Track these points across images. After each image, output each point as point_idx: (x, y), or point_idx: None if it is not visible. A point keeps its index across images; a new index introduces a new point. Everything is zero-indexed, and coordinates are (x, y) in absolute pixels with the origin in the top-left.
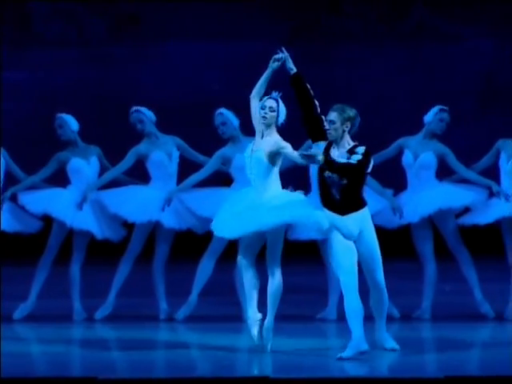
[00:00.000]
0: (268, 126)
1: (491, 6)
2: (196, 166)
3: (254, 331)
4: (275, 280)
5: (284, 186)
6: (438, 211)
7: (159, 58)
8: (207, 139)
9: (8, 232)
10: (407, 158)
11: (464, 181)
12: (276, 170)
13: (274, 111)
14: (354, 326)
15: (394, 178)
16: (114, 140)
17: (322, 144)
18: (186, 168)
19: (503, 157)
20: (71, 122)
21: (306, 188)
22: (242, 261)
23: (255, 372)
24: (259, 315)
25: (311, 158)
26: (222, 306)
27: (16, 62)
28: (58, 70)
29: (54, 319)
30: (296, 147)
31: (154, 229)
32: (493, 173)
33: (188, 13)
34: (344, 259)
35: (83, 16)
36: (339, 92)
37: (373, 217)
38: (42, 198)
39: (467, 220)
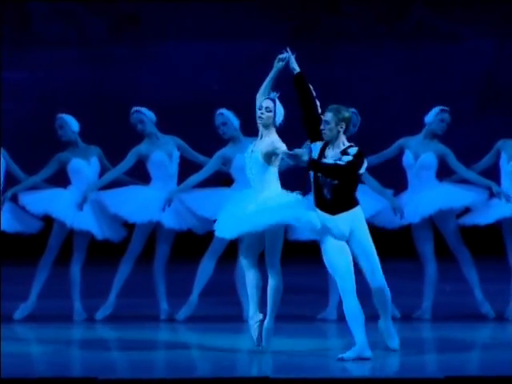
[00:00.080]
0: (266, 126)
1: (491, 5)
2: (196, 167)
3: (254, 332)
4: (274, 280)
5: (284, 186)
6: (439, 211)
7: (159, 58)
8: (207, 139)
9: (8, 232)
10: (408, 159)
11: (464, 181)
12: (273, 170)
13: (270, 111)
14: (356, 331)
15: (394, 178)
16: (113, 140)
17: (319, 144)
18: (187, 168)
19: (504, 157)
20: (72, 123)
21: (305, 188)
22: (243, 261)
23: (255, 372)
24: (260, 315)
25: (296, 158)
26: (223, 306)
27: (16, 62)
28: (57, 70)
29: (55, 319)
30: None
31: (155, 229)
32: (493, 173)
33: (188, 13)
34: (338, 262)
35: (83, 16)
36: (339, 92)
37: (373, 217)
38: (42, 198)
39: (468, 220)
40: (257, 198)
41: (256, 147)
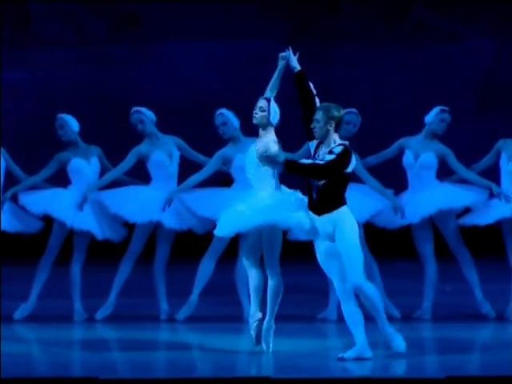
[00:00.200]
0: (261, 126)
1: (491, 5)
2: (196, 167)
3: (253, 331)
4: (273, 281)
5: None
6: (439, 212)
7: (159, 58)
8: (208, 139)
9: (9, 232)
10: (408, 159)
11: (464, 181)
12: (270, 170)
13: (264, 111)
14: (356, 331)
15: (394, 178)
16: (113, 140)
17: (316, 143)
18: (187, 168)
19: (504, 157)
20: (72, 123)
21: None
22: (245, 261)
23: (255, 372)
24: (259, 315)
25: (271, 161)
26: (223, 306)
27: (16, 62)
28: (57, 70)
29: (55, 319)
30: (297, 148)
31: (155, 229)
32: (493, 173)
33: (188, 13)
34: (331, 264)
35: (83, 16)
36: (339, 92)
37: (374, 217)
38: (42, 198)
39: (468, 220)
40: (251, 198)
41: (253, 147)
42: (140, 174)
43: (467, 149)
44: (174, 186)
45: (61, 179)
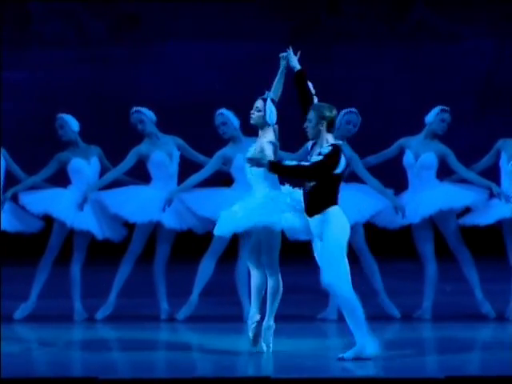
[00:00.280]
0: (259, 126)
1: (491, 5)
2: (197, 167)
3: (251, 332)
4: (272, 281)
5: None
6: (439, 212)
7: (159, 58)
8: (208, 139)
9: (9, 232)
10: (408, 158)
11: (464, 180)
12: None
13: (260, 111)
14: (357, 332)
15: (394, 178)
16: (113, 140)
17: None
18: (187, 168)
19: (504, 157)
20: (72, 123)
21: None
22: (248, 262)
23: (256, 372)
24: (257, 316)
25: (256, 163)
26: (223, 306)
27: (16, 62)
28: (57, 70)
29: (55, 319)
30: (297, 148)
31: (155, 229)
32: (493, 173)
33: (188, 13)
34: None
35: (83, 16)
36: (339, 92)
37: (374, 217)
38: (42, 198)
39: (468, 220)
40: (248, 197)
41: (251, 147)
42: (140, 174)
43: (467, 149)
44: (174, 186)
45: (61, 179)
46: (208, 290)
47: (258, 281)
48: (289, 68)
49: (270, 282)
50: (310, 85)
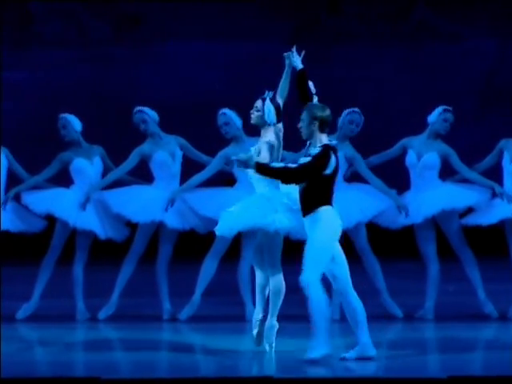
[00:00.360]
0: (259, 125)
1: (492, 5)
2: (199, 166)
3: (254, 330)
4: (274, 281)
5: None
6: (442, 212)
7: (161, 58)
8: (210, 139)
9: (12, 231)
10: (411, 158)
11: (466, 180)
12: None
13: (258, 111)
14: (358, 331)
15: (397, 178)
16: (115, 140)
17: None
18: (190, 168)
19: (506, 157)
20: (74, 123)
21: None
22: (253, 261)
23: (258, 372)
24: (260, 315)
25: (243, 164)
26: (225, 306)
27: (17, 62)
28: (58, 70)
29: (57, 319)
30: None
31: (158, 229)
32: (496, 173)
33: (188, 13)
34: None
35: (84, 16)
36: (340, 92)
37: (376, 217)
38: (45, 197)
39: (470, 220)
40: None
41: (252, 148)
42: (142, 174)
43: (469, 148)
44: (177, 186)
45: (63, 179)
46: (210, 289)
47: (261, 280)
48: (293, 67)
49: (272, 282)
50: (311, 84)
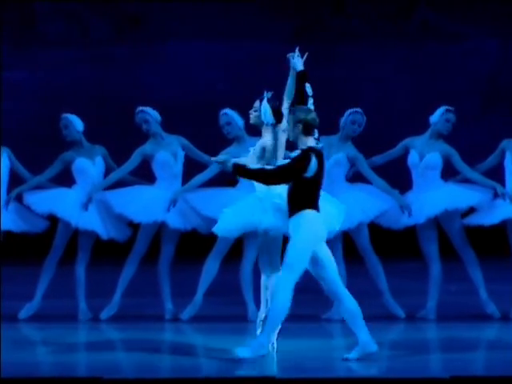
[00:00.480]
0: (258, 126)
1: (495, 5)
2: (201, 166)
3: (258, 331)
4: (274, 281)
5: None
6: (444, 212)
7: (162, 58)
8: (213, 139)
9: (14, 232)
10: (413, 158)
11: (468, 180)
12: None
13: (256, 111)
14: (357, 329)
15: (399, 178)
16: (117, 140)
17: None
18: (191, 168)
19: (508, 157)
20: (76, 123)
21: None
22: (259, 261)
23: (261, 372)
24: (263, 315)
25: (222, 164)
26: (227, 306)
27: (18, 62)
28: (60, 69)
29: (60, 319)
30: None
31: (160, 229)
32: (498, 173)
33: (189, 13)
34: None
35: (85, 16)
36: (342, 92)
37: (379, 217)
38: (47, 198)
39: (472, 220)
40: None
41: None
42: (144, 174)
43: (471, 149)
44: (179, 186)
45: (65, 179)
46: (212, 289)
47: (266, 281)
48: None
49: (272, 282)
50: (308, 86)
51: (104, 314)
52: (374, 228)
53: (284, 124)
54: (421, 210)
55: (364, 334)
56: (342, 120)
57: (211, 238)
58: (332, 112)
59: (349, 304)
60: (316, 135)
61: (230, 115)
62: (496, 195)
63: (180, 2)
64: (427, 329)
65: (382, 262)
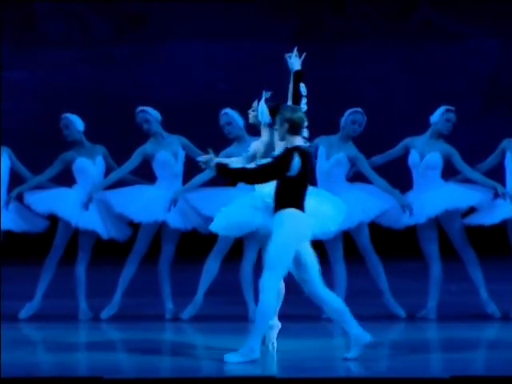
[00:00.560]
0: (257, 125)
1: (496, 5)
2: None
3: None
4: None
5: None
6: (445, 212)
7: (163, 57)
8: (213, 139)
9: (15, 231)
10: (413, 158)
11: (468, 180)
12: None
13: (254, 111)
14: (346, 326)
15: (399, 177)
16: (118, 140)
17: None
18: (192, 168)
19: (508, 157)
20: (77, 122)
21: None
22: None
23: (261, 372)
24: None
25: (206, 164)
26: (228, 305)
27: (19, 62)
28: (61, 69)
29: (60, 319)
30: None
31: (160, 229)
32: (498, 173)
33: (189, 13)
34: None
35: (86, 16)
36: (342, 92)
37: (379, 217)
38: (47, 197)
39: (473, 220)
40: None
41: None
42: (145, 174)
43: (472, 148)
44: (179, 186)
45: (66, 179)
46: (213, 289)
47: None
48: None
49: None
50: (302, 86)
51: (104, 314)
52: (375, 228)
53: None
54: (421, 210)
55: (354, 328)
56: (343, 120)
57: (212, 238)
58: (332, 112)
59: (334, 303)
60: (305, 134)
61: (230, 115)
62: (496, 195)
63: (180, 1)
64: (428, 329)
65: (383, 262)
